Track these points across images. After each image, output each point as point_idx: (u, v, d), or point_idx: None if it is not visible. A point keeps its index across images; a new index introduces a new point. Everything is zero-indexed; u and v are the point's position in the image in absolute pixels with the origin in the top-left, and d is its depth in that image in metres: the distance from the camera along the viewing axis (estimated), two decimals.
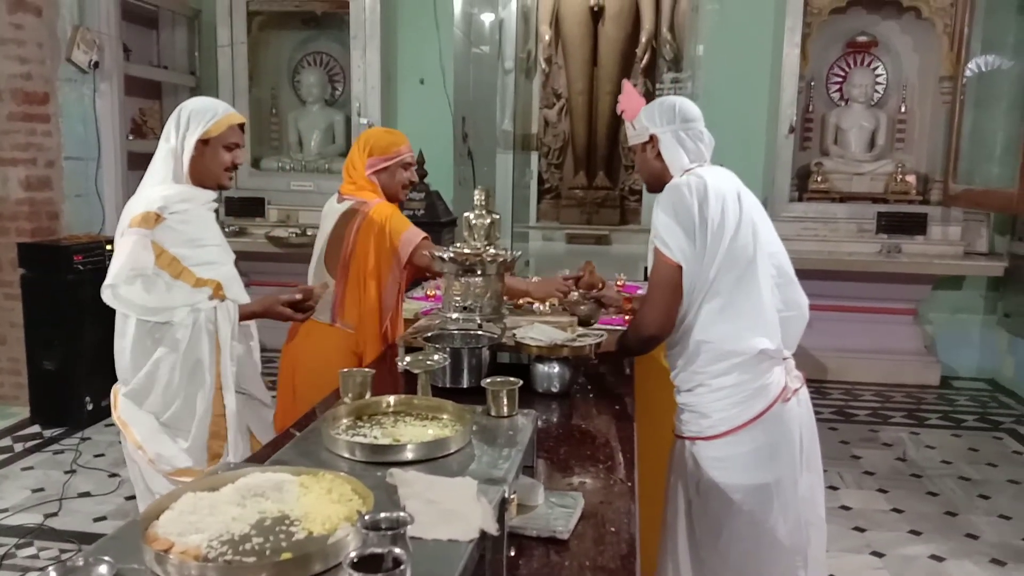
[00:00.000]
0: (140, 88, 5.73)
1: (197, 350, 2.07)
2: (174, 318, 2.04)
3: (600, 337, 2.19)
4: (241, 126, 2.21)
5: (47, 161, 4.70)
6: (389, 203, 2.59)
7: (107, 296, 2.03)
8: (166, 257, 2.06)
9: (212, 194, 2.20)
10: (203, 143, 2.13)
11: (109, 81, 5.10)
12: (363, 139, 2.65)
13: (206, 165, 2.15)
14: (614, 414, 1.98)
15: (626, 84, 2.24)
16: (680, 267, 1.93)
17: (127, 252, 2.02)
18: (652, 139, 2.07)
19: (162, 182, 2.12)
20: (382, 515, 0.89)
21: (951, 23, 5.45)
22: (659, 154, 2.06)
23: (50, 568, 0.85)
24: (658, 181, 2.09)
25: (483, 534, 1.01)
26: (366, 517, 0.89)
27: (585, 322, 2.50)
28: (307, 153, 6.36)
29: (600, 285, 2.61)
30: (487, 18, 6.10)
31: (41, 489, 3.64)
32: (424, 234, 2.54)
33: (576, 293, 2.67)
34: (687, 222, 1.92)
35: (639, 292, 3.40)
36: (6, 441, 4.23)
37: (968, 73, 5.36)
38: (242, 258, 6.26)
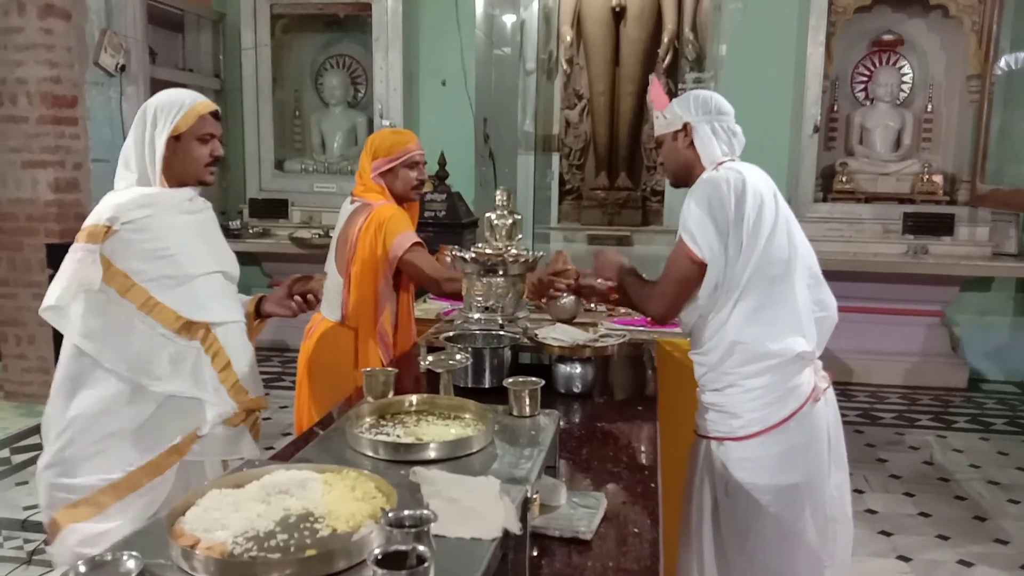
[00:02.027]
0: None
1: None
2: (152, 383, 1.85)
3: (622, 338, 2.18)
4: (215, 114, 2.01)
5: (75, 163, 4.77)
6: (393, 205, 2.56)
7: (50, 317, 1.85)
8: (112, 271, 1.86)
9: (184, 194, 1.97)
10: (175, 140, 1.94)
11: (135, 84, 5.16)
12: (369, 141, 2.65)
13: (181, 163, 1.96)
14: (636, 414, 1.97)
15: (654, 79, 2.24)
16: (704, 264, 1.90)
17: (72, 270, 1.83)
18: (686, 128, 2.02)
19: (127, 187, 1.95)
20: (406, 513, 0.89)
21: (979, 21, 5.37)
22: (691, 144, 2.02)
23: (79, 562, 0.86)
24: (686, 172, 2.05)
25: (506, 533, 1.00)
26: (390, 515, 0.89)
27: (567, 321, 2.39)
28: (330, 155, 6.41)
29: (575, 277, 2.38)
30: (508, 19, 6.10)
31: None
32: (415, 240, 2.49)
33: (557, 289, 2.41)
34: (721, 219, 1.88)
35: None
36: (35, 439, 4.30)
37: (997, 71, 5.28)
38: (266, 259, 6.36)
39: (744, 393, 1.93)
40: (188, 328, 1.91)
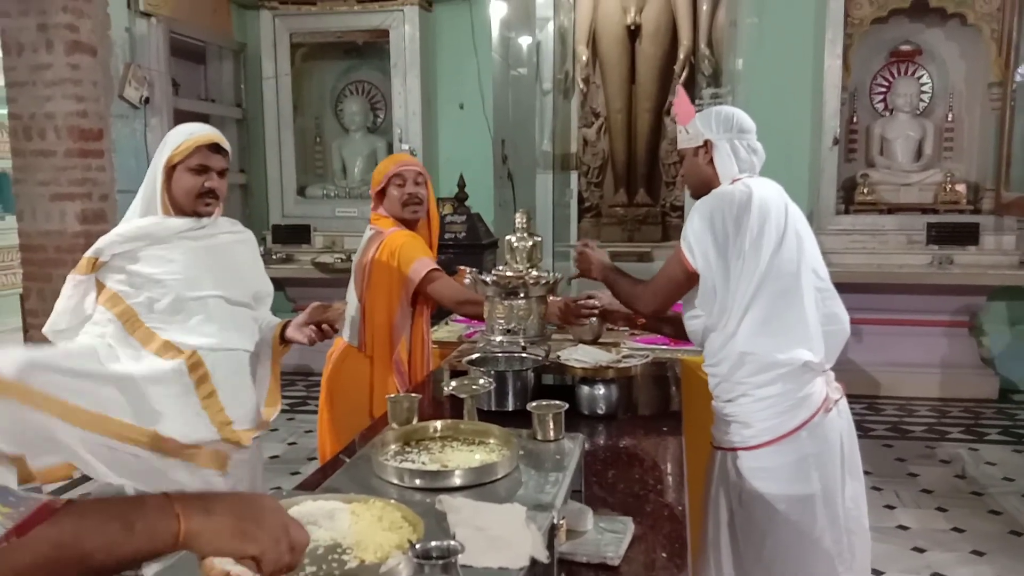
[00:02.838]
0: (189, 121, 5.90)
1: None
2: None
3: (646, 358, 2.17)
4: (215, 147, 2.03)
5: (101, 195, 4.85)
6: (405, 231, 2.58)
7: (56, 340, 2.02)
8: (106, 293, 1.98)
9: (183, 223, 2.02)
10: (171, 169, 2.01)
11: (159, 116, 5.26)
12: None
13: (175, 192, 2.02)
14: (662, 435, 1.97)
15: (680, 90, 2.27)
16: (696, 274, 1.97)
17: (63, 297, 2.00)
18: (706, 144, 2.07)
19: (130, 216, 2.05)
20: (433, 544, 0.89)
21: (998, 28, 5.33)
22: (711, 160, 2.06)
23: None
24: (705, 187, 2.09)
25: (533, 561, 1.01)
26: (417, 546, 0.89)
27: (590, 342, 2.42)
28: (351, 180, 6.47)
29: (596, 304, 2.46)
30: (524, 41, 6.15)
31: None
32: (433, 266, 2.50)
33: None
34: (720, 233, 1.94)
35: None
36: None
37: (1018, 78, 5.24)
38: (289, 284, 6.41)
39: (755, 402, 1.95)
40: (171, 350, 1.95)
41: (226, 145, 2.08)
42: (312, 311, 2.18)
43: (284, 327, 2.22)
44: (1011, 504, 3.79)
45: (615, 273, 2.27)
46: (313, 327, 2.16)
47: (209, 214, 2.07)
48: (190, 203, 2.02)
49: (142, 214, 2.04)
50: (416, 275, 2.48)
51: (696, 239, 1.96)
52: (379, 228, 2.60)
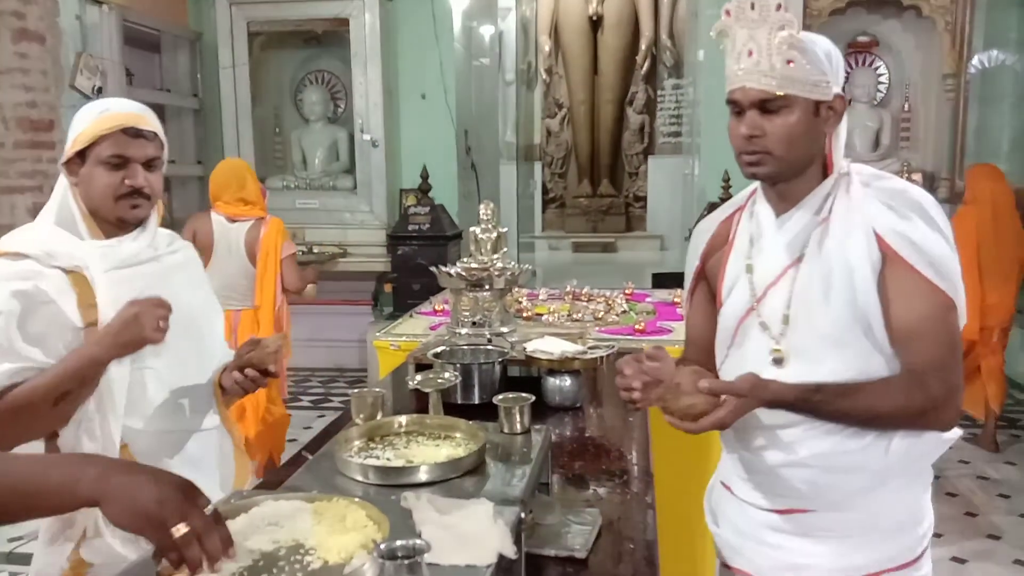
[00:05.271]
0: None
1: None
2: None
3: (611, 348, 2.17)
4: (134, 131, 1.51)
5: (52, 188, 4.71)
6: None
7: None
8: None
9: (94, 248, 1.51)
10: (78, 160, 1.53)
11: None
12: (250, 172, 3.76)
13: (89, 192, 1.53)
14: (628, 425, 1.96)
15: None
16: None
17: None
18: (835, 102, 1.36)
19: (33, 227, 1.56)
20: (399, 543, 0.87)
21: (952, 20, 5.44)
22: (830, 130, 1.39)
23: None
24: (804, 165, 1.39)
25: (501, 557, 0.99)
26: (382, 546, 0.87)
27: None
28: (311, 171, 6.38)
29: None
30: (487, 31, 6.12)
31: None
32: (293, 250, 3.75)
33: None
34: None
35: (648, 299, 3.38)
36: None
37: (971, 70, 5.35)
38: None
39: (923, 493, 1.49)
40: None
41: (153, 125, 1.55)
42: (240, 352, 1.64)
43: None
44: (966, 486, 3.89)
45: (818, 392, 1.30)
46: (236, 374, 1.61)
47: (136, 220, 1.56)
48: (106, 207, 1.52)
49: (56, 222, 1.55)
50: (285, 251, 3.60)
51: (955, 267, 1.32)
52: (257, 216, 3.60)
